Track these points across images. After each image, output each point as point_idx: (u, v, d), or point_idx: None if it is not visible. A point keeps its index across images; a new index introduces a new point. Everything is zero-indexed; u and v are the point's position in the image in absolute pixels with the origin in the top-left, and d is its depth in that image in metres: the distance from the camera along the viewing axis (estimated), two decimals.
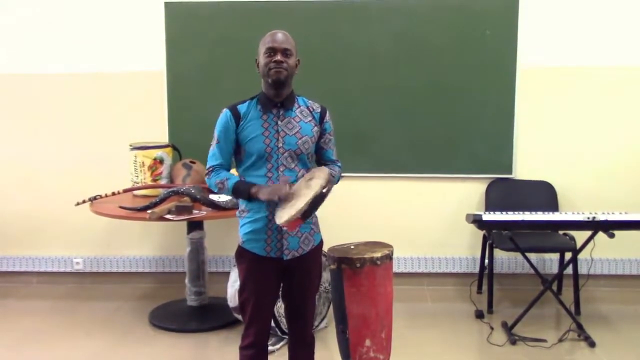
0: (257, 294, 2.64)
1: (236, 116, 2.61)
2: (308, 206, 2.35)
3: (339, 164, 2.78)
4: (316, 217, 2.72)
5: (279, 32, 2.60)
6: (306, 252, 2.67)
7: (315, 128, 2.66)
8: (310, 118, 2.67)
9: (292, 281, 2.71)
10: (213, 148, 2.65)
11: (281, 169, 2.57)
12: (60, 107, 4.67)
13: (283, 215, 2.39)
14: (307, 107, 2.69)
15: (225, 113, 2.64)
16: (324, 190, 2.41)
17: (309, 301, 2.79)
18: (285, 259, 2.62)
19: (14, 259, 4.82)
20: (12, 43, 4.63)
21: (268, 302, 2.68)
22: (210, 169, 2.64)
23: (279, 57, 2.54)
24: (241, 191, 2.53)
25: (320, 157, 2.75)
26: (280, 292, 2.80)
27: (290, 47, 2.59)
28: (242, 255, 2.65)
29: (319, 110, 2.71)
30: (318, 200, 2.39)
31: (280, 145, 2.58)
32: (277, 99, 2.61)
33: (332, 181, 2.53)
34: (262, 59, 2.59)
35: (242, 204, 2.64)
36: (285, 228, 2.49)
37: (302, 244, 2.66)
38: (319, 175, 2.48)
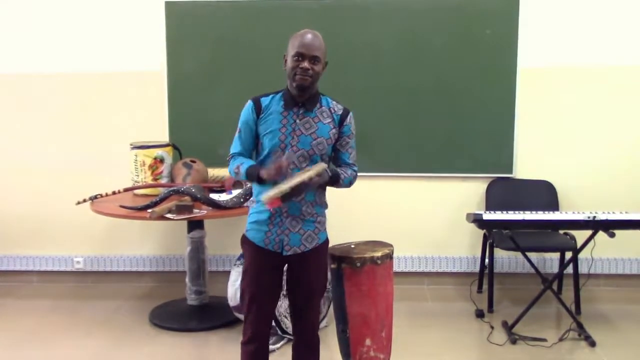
0: (255, 284, 2.65)
1: (258, 108, 2.63)
2: (290, 190, 2.38)
3: (355, 168, 2.75)
4: (323, 216, 2.73)
5: (310, 35, 2.57)
6: (309, 249, 2.66)
7: (333, 130, 2.65)
8: (329, 120, 2.65)
9: (295, 279, 2.71)
10: (235, 137, 2.69)
11: (291, 167, 2.53)
12: (61, 107, 4.67)
13: (268, 193, 2.41)
14: (329, 109, 2.67)
15: (248, 104, 2.67)
16: (310, 181, 2.43)
17: (313, 302, 2.75)
18: (285, 254, 2.62)
19: (14, 258, 4.82)
20: (13, 43, 4.62)
21: (266, 294, 2.68)
22: (230, 156, 2.68)
23: (306, 64, 2.53)
24: (253, 175, 2.54)
25: (336, 159, 2.74)
26: (285, 291, 2.81)
27: (319, 54, 2.57)
28: (245, 242, 2.70)
29: (340, 112, 2.68)
30: (302, 187, 2.43)
31: (295, 143, 2.58)
32: (299, 98, 2.61)
33: (323, 175, 2.53)
34: (289, 61, 2.57)
35: (254, 194, 2.69)
36: (267, 206, 2.49)
37: (305, 241, 2.65)
38: (314, 167, 2.51)
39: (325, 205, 2.76)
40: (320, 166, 2.52)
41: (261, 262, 2.65)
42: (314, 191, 2.61)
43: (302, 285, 2.71)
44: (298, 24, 4.40)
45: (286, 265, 2.70)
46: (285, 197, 2.41)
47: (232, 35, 4.51)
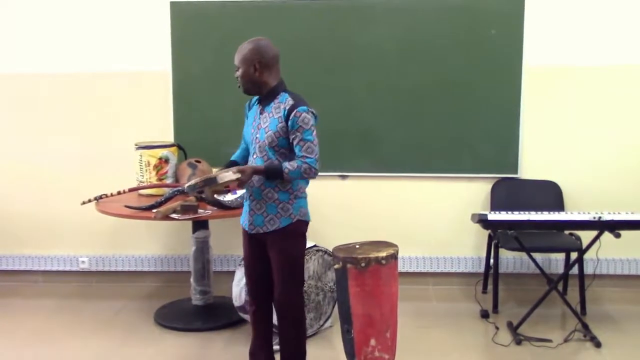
0: (244, 258, 3.15)
1: (249, 106, 3.13)
2: (197, 181, 2.84)
3: (306, 160, 2.85)
4: (288, 202, 2.95)
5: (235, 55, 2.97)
6: (270, 231, 2.96)
7: (281, 124, 2.87)
8: (279, 115, 2.89)
9: (265, 250, 3.04)
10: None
11: (254, 156, 2.96)
12: (66, 107, 4.68)
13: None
14: (283, 104, 2.90)
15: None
16: (216, 178, 2.80)
17: (278, 277, 3.00)
18: (250, 232, 3.02)
19: (19, 258, 4.84)
20: (18, 43, 4.64)
21: (250, 265, 3.10)
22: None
23: (236, 74, 2.97)
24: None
25: (293, 152, 2.92)
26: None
27: (237, 63, 2.95)
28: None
29: (288, 107, 2.87)
30: (208, 181, 2.82)
31: (257, 136, 2.96)
32: (260, 97, 3.01)
33: (242, 178, 2.82)
34: None
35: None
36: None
37: (267, 222, 2.97)
38: (232, 169, 2.84)
39: (294, 194, 2.96)
40: (233, 170, 2.82)
41: (244, 238, 3.10)
42: (247, 187, 2.96)
43: (266, 261, 3.04)
44: (303, 24, 4.46)
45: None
46: (191, 186, 2.85)
47: (238, 36, 4.46)
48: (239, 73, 2.93)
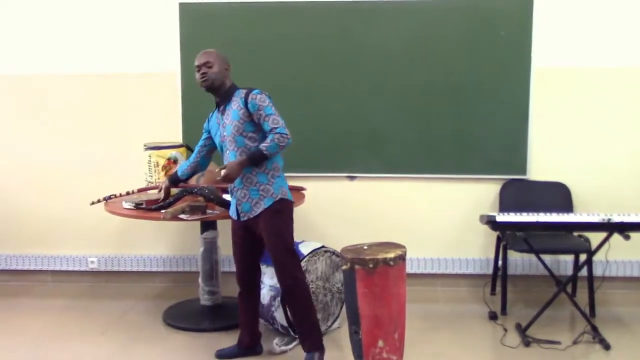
0: (233, 247, 3.43)
1: (208, 121, 3.49)
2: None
3: (277, 130, 3.15)
4: (268, 183, 3.24)
5: (200, 54, 3.31)
6: (258, 214, 3.25)
7: (242, 111, 3.21)
8: (237, 104, 3.23)
9: (256, 239, 3.33)
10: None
11: (226, 152, 3.29)
12: (75, 108, 4.71)
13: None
14: (238, 96, 3.26)
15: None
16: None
17: (273, 255, 3.27)
18: (241, 220, 3.30)
19: (29, 258, 4.87)
20: (28, 45, 4.67)
21: (237, 253, 3.41)
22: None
23: (201, 70, 3.26)
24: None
25: (263, 131, 3.22)
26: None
27: (208, 59, 3.27)
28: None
29: (243, 95, 3.23)
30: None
31: (225, 133, 3.27)
32: (217, 99, 3.34)
33: (230, 171, 3.14)
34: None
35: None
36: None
37: (254, 207, 3.26)
38: (219, 168, 3.20)
39: (270, 174, 3.26)
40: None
41: (233, 228, 3.40)
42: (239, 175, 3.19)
43: (264, 241, 3.28)
44: (311, 25, 4.47)
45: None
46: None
47: (246, 37, 4.52)
48: (213, 69, 3.24)
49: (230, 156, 3.25)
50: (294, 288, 3.26)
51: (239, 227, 3.36)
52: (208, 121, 3.48)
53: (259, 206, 3.24)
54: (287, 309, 3.48)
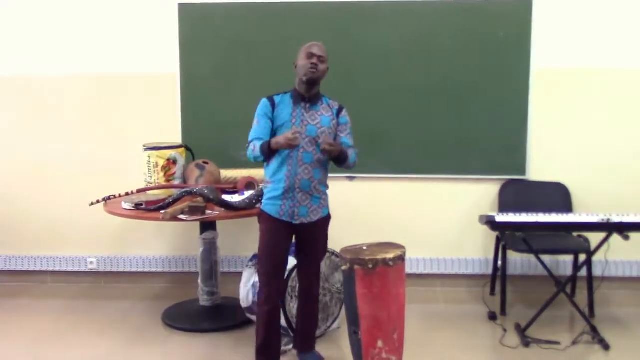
0: (271, 246, 3.22)
1: (272, 103, 3.21)
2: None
3: (356, 151, 3.30)
4: (326, 194, 3.30)
5: (317, 44, 3.20)
6: (314, 221, 3.23)
7: (334, 121, 3.24)
8: (329, 113, 3.25)
9: (303, 245, 3.30)
10: (253, 128, 3.21)
11: (301, 151, 3.14)
12: (74, 108, 4.71)
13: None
14: (328, 105, 3.28)
15: (263, 101, 3.24)
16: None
17: (315, 263, 3.35)
18: (294, 222, 3.19)
19: (28, 259, 4.87)
20: (27, 46, 4.67)
21: (279, 256, 3.23)
22: (247, 143, 3.21)
23: (315, 60, 3.14)
24: (264, 147, 3.12)
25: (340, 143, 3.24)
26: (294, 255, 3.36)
27: (324, 55, 3.18)
28: (261, 215, 3.26)
29: (336, 107, 3.30)
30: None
31: (303, 132, 3.14)
32: (306, 94, 3.20)
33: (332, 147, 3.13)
34: (301, 61, 3.17)
35: (267, 177, 3.24)
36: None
37: (311, 213, 3.22)
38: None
39: (327, 186, 3.31)
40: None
41: (275, 229, 3.21)
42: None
43: (308, 249, 3.31)
44: (310, 26, 4.47)
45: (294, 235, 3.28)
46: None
47: (245, 37, 4.52)
48: (324, 66, 3.18)
49: (304, 156, 3.15)
50: (317, 297, 3.41)
51: (282, 229, 3.21)
52: (272, 108, 3.20)
53: (317, 214, 3.24)
54: (303, 313, 3.42)
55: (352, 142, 3.31)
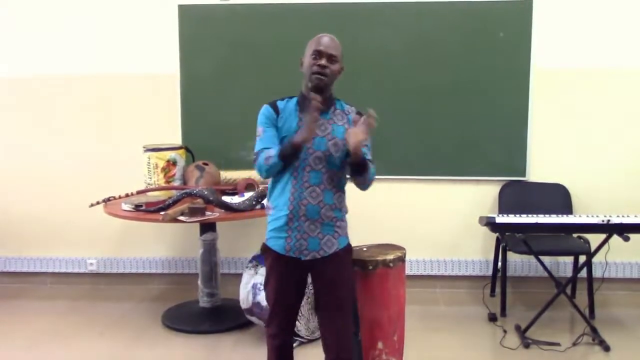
0: (277, 291, 2.62)
1: (275, 110, 2.61)
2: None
3: (374, 166, 2.68)
4: (343, 220, 2.67)
5: (327, 36, 2.61)
6: (328, 254, 2.58)
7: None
8: (344, 121, 2.65)
9: (319, 287, 2.64)
10: (257, 140, 2.61)
11: (307, 169, 2.55)
12: (75, 109, 4.70)
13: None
14: (343, 111, 2.68)
15: (265, 107, 2.64)
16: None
17: (341, 314, 2.60)
18: (303, 259, 2.57)
19: (28, 260, 4.86)
20: (27, 46, 4.67)
21: (288, 299, 2.63)
22: (255, 155, 2.59)
23: (323, 61, 2.56)
24: (285, 149, 2.49)
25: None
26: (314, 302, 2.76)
27: (336, 53, 2.60)
28: (266, 251, 2.66)
29: (353, 113, 2.69)
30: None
31: (310, 145, 2.54)
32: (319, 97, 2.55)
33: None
34: (307, 60, 2.59)
35: (269, 202, 2.64)
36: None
37: (324, 245, 2.58)
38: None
39: (346, 210, 2.70)
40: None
41: (282, 270, 2.61)
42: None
43: (327, 296, 2.61)
44: (310, 27, 4.42)
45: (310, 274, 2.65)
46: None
47: (245, 38, 4.52)
48: (336, 67, 2.61)
49: (311, 177, 2.55)
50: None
51: (296, 267, 2.59)
52: (278, 114, 2.61)
53: (331, 245, 2.59)
54: None
55: (371, 156, 2.68)
